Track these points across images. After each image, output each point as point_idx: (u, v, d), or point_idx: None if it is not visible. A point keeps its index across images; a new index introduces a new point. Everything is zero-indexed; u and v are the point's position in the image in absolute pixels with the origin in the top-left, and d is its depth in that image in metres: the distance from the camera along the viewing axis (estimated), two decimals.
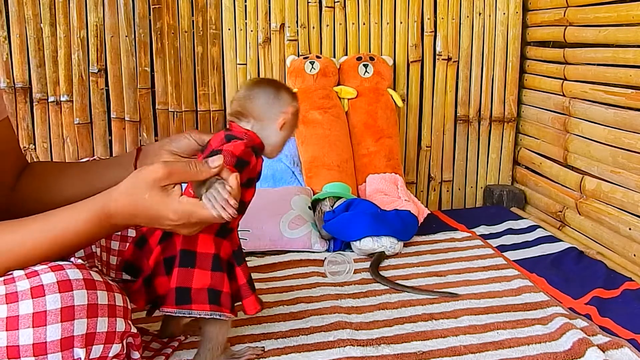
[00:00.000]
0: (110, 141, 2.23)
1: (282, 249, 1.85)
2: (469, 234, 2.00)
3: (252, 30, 2.25)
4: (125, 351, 0.96)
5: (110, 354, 0.91)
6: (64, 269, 0.88)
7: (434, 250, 1.86)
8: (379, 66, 2.24)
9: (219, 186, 0.97)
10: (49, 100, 2.17)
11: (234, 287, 1.12)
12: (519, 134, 2.44)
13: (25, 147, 2.17)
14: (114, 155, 2.22)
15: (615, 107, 1.83)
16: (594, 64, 1.95)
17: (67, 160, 2.18)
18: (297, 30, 2.27)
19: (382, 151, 2.18)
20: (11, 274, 0.88)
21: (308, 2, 2.26)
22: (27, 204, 1.14)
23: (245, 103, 1.12)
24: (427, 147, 2.41)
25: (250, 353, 1.23)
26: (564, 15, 2.10)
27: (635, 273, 1.67)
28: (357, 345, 1.26)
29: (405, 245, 1.87)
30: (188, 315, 1.07)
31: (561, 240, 1.90)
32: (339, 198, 1.95)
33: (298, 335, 1.32)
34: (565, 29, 2.10)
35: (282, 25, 2.26)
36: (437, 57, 2.35)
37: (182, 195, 0.97)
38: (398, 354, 1.24)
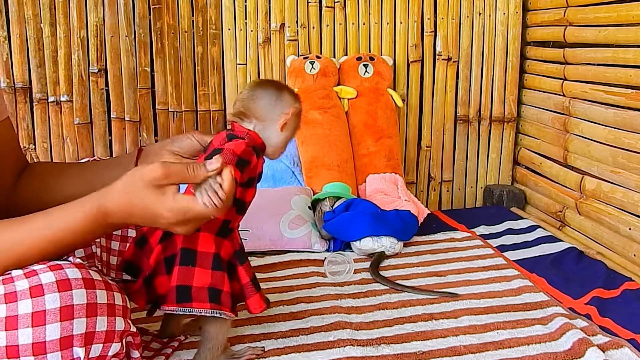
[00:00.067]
0: (110, 141, 2.23)
1: (282, 249, 1.85)
2: (469, 234, 2.00)
3: (252, 30, 2.25)
4: (124, 350, 0.96)
5: (110, 353, 0.91)
6: (63, 269, 0.88)
7: (434, 250, 1.86)
8: (379, 66, 2.24)
9: (211, 179, 0.97)
10: (49, 100, 2.17)
11: (236, 287, 1.12)
12: (519, 134, 2.44)
13: (25, 147, 2.17)
14: (114, 155, 2.22)
15: (615, 107, 1.83)
16: (594, 64, 1.95)
17: (67, 160, 2.18)
18: (297, 30, 2.27)
19: (382, 151, 2.18)
20: (9, 273, 0.88)
21: (308, 2, 2.26)
22: (27, 204, 1.14)
23: (248, 103, 1.13)
24: (427, 147, 2.41)
25: (250, 353, 1.23)
26: (564, 15, 2.09)
27: (635, 273, 1.67)
28: (357, 345, 1.26)
29: (405, 245, 1.87)
30: (188, 314, 1.08)
31: (561, 240, 1.90)
32: (339, 198, 1.95)
33: (298, 335, 1.32)
34: (565, 29, 2.10)
35: (282, 25, 2.26)
36: (437, 57, 2.35)
37: (178, 193, 0.97)
38: (398, 354, 1.24)
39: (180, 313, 1.08)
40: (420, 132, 2.41)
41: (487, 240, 1.93)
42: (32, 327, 0.83)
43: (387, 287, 1.58)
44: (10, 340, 0.83)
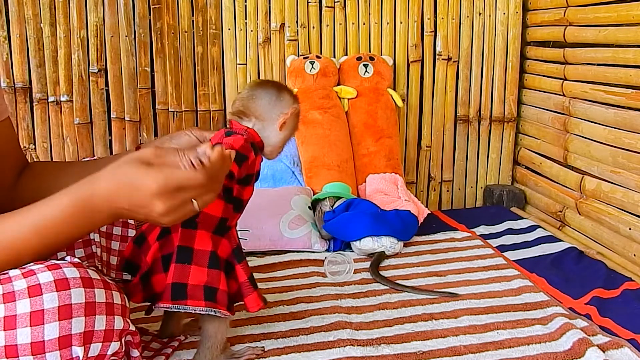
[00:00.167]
0: (110, 141, 2.23)
1: (282, 249, 1.85)
2: (469, 234, 2.00)
3: (252, 30, 2.25)
4: (124, 349, 0.96)
5: (109, 352, 0.91)
6: (61, 268, 0.88)
7: (434, 250, 1.86)
8: (379, 66, 2.24)
9: (199, 149, 0.96)
10: (49, 100, 2.17)
11: (234, 286, 1.12)
12: (519, 134, 2.44)
13: (25, 147, 2.17)
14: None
15: (615, 107, 1.83)
16: (594, 64, 1.95)
17: (67, 160, 2.18)
18: (297, 30, 2.27)
19: (382, 151, 2.18)
20: (7, 273, 0.88)
21: (308, 2, 2.26)
22: (28, 204, 1.14)
23: (248, 103, 1.14)
24: (427, 147, 2.41)
25: (250, 353, 1.23)
26: (564, 15, 2.09)
27: (635, 273, 1.67)
28: (357, 345, 1.26)
29: (405, 245, 1.87)
30: (183, 311, 1.08)
31: (561, 240, 1.90)
32: (339, 198, 1.95)
33: (298, 335, 1.32)
34: (565, 29, 2.10)
35: (282, 25, 2.26)
36: (437, 57, 2.35)
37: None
38: (398, 354, 1.24)
39: (175, 310, 1.09)
40: (420, 132, 2.41)
41: (487, 240, 1.93)
42: (31, 326, 0.83)
43: (387, 287, 1.58)
44: (9, 340, 0.83)
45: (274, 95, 1.15)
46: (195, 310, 1.08)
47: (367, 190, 2.10)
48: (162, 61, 2.21)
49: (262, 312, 1.42)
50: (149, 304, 1.16)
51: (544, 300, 1.48)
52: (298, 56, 2.26)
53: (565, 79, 2.11)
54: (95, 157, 1.60)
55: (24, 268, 0.89)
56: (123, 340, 0.95)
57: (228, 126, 1.16)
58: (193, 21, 2.22)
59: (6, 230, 0.91)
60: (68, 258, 0.94)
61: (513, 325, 1.35)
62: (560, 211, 2.11)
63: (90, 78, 2.18)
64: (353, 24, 2.30)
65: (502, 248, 1.87)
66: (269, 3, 2.24)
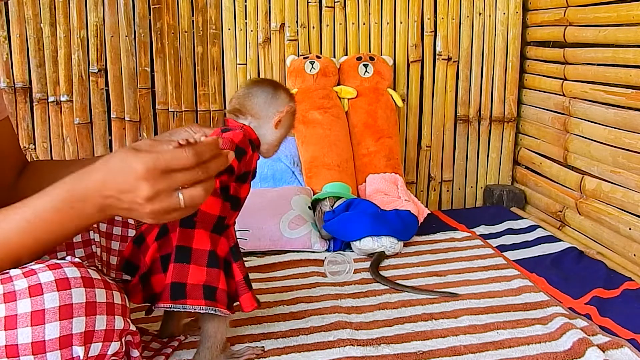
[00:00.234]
0: (110, 141, 2.23)
1: (282, 249, 1.85)
2: (469, 234, 2.00)
3: (252, 30, 2.25)
4: (124, 349, 0.96)
5: (109, 352, 0.91)
6: (62, 267, 0.88)
7: (434, 250, 1.86)
8: (379, 66, 2.24)
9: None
10: (49, 100, 2.17)
11: (232, 285, 1.13)
12: (519, 134, 2.44)
13: (25, 147, 2.17)
14: None
15: (615, 107, 1.83)
16: (594, 64, 1.95)
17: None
18: (297, 30, 2.27)
19: (382, 151, 2.18)
20: (8, 272, 0.88)
21: (308, 2, 2.26)
22: None
23: (244, 101, 1.14)
24: (427, 147, 2.41)
25: (250, 353, 1.23)
26: (564, 15, 2.09)
27: (635, 273, 1.67)
28: (357, 345, 1.26)
29: (405, 245, 1.87)
30: (183, 310, 1.08)
31: (561, 240, 1.90)
32: (339, 198, 1.95)
33: (298, 335, 1.32)
34: (565, 29, 2.10)
35: (282, 25, 2.26)
36: (437, 57, 2.35)
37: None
38: (398, 354, 1.24)
39: (175, 310, 1.09)
40: (420, 132, 2.41)
41: (487, 240, 1.93)
42: (31, 326, 0.83)
43: (387, 287, 1.58)
44: (10, 340, 0.83)
45: (270, 93, 1.15)
46: (195, 310, 1.08)
47: (367, 190, 2.10)
48: (162, 61, 2.21)
49: (262, 312, 1.42)
50: (149, 304, 1.16)
51: (544, 300, 1.48)
52: (298, 56, 2.27)
53: (565, 79, 2.11)
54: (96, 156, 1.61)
55: (25, 267, 0.89)
56: (123, 340, 0.95)
57: (224, 124, 1.16)
58: (193, 21, 2.22)
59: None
60: (69, 258, 0.94)
61: (513, 325, 1.35)
62: (560, 211, 2.11)
63: (90, 78, 2.18)
64: (353, 24, 2.30)
65: (502, 248, 1.87)
66: (269, 3, 2.24)
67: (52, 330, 0.84)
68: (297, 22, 2.27)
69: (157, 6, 2.18)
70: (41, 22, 2.13)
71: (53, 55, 2.15)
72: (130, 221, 1.35)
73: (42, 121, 2.19)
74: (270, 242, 1.85)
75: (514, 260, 1.77)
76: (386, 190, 2.07)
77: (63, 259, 0.93)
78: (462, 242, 1.92)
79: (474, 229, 2.05)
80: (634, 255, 1.71)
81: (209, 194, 0.89)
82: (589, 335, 1.28)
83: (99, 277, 0.92)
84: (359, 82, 2.23)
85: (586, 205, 1.95)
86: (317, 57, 2.23)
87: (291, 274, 1.68)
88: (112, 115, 2.21)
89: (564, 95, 2.12)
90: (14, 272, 0.88)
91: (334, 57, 2.30)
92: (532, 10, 2.33)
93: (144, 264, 1.11)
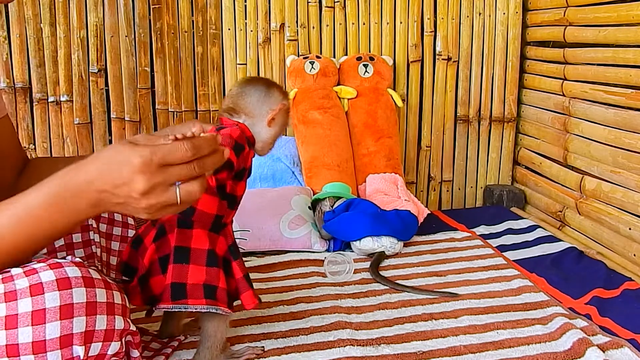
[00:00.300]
0: (110, 141, 2.23)
1: (282, 249, 1.85)
2: (469, 234, 2.00)
3: (252, 30, 2.25)
4: (124, 349, 0.96)
5: (109, 352, 0.91)
6: (63, 267, 0.88)
7: (434, 250, 1.86)
8: (379, 66, 2.24)
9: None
10: (49, 100, 2.17)
11: (232, 284, 1.13)
12: (519, 134, 2.44)
13: (25, 147, 2.17)
14: None
15: (615, 107, 1.83)
16: (594, 64, 1.95)
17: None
18: (297, 30, 2.27)
19: (382, 151, 2.18)
20: (9, 271, 0.88)
21: (308, 2, 2.26)
22: None
23: (238, 100, 1.15)
24: (427, 147, 2.41)
25: (250, 352, 1.23)
26: (564, 15, 2.09)
27: (635, 273, 1.67)
28: (357, 345, 1.26)
29: (405, 245, 1.87)
30: (184, 310, 1.08)
31: (561, 240, 1.90)
32: (339, 198, 1.95)
33: (298, 335, 1.32)
34: (565, 29, 2.10)
35: (282, 25, 2.26)
36: (437, 57, 2.35)
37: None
38: (398, 354, 1.24)
39: (177, 310, 1.09)
40: (420, 132, 2.41)
41: (487, 240, 1.93)
42: (32, 325, 0.83)
43: (387, 287, 1.58)
44: (10, 339, 0.83)
45: (263, 92, 1.15)
46: (196, 309, 1.08)
47: (367, 190, 2.10)
48: (162, 61, 2.21)
49: (262, 312, 1.42)
50: (149, 306, 1.16)
51: (544, 300, 1.48)
52: (298, 56, 2.27)
53: (565, 79, 2.11)
54: None
55: (27, 266, 0.88)
56: (123, 340, 0.95)
57: (218, 123, 1.16)
58: (193, 21, 2.22)
59: None
60: (70, 257, 0.94)
61: (513, 325, 1.35)
62: (560, 211, 2.11)
63: (90, 78, 2.18)
64: (353, 24, 2.30)
65: (502, 248, 1.87)
66: (269, 3, 2.24)
67: (52, 329, 0.84)
68: (297, 22, 2.27)
69: (157, 6, 2.18)
70: (41, 22, 2.13)
71: (53, 55, 2.15)
72: (130, 221, 1.35)
73: (42, 121, 2.19)
74: (270, 242, 1.85)
75: (514, 260, 1.77)
76: (386, 190, 2.07)
77: (64, 258, 0.93)
78: (462, 242, 1.92)
79: (474, 229, 2.05)
80: (634, 255, 1.71)
81: (204, 189, 0.88)
82: (589, 335, 1.28)
83: (100, 277, 0.92)
84: (359, 82, 2.23)
85: (586, 205, 1.95)
86: (317, 57, 2.23)
87: (291, 274, 1.68)
88: (112, 115, 2.21)
89: (564, 95, 2.12)
90: (15, 271, 0.88)
91: (334, 57, 2.30)
92: (532, 10, 2.33)
93: (142, 265, 1.11)
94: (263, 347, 1.26)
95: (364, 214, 1.82)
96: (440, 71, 2.36)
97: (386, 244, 1.79)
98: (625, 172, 1.76)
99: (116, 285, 0.97)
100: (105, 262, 1.30)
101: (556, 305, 1.45)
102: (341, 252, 1.80)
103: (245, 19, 2.25)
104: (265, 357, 1.23)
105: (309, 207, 1.97)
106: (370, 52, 2.32)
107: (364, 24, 2.30)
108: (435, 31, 2.34)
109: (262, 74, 2.26)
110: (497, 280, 1.61)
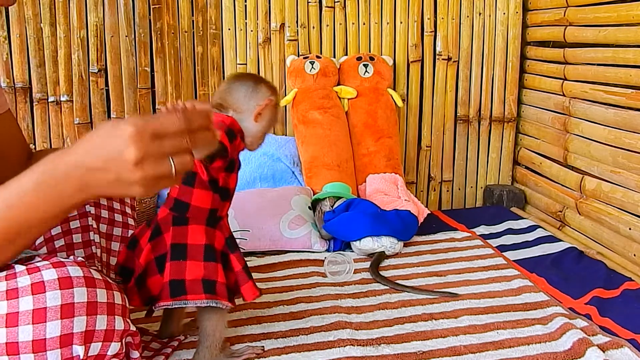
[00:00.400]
0: None
1: (282, 249, 1.85)
2: (469, 234, 2.00)
3: (252, 30, 2.25)
4: (124, 350, 0.96)
5: (109, 353, 0.91)
6: (65, 266, 0.88)
7: (434, 250, 1.86)
8: (379, 66, 2.24)
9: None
10: (49, 100, 2.17)
11: (232, 278, 1.13)
12: (519, 134, 2.44)
13: None
14: None
15: (615, 107, 1.83)
16: (594, 64, 1.95)
17: None
18: (297, 30, 2.27)
19: (382, 151, 2.18)
20: (13, 268, 0.88)
21: (308, 2, 2.26)
22: None
23: (225, 95, 1.15)
24: (427, 147, 2.41)
25: (250, 352, 1.23)
26: (564, 15, 2.09)
27: (635, 273, 1.67)
28: (357, 345, 1.26)
29: (405, 245, 1.87)
30: (185, 306, 1.08)
31: (561, 240, 1.90)
32: (339, 198, 1.95)
33: (298, 335, 1.32)
34: (565, 29, 2.10)
35: (282, 25, 2.26)
36: (437, 57, 2.35)
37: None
38: (398, 354, 1.24)
39: (177, 307, 1.09)
40: (420, 132, 2.41)
41: (487, 240, 1.93)
42: (33, 324, 0.83)
43: (387, 287, 1.58)
44: (10, 337, 0.83)
45: (250, 87, 1.16)
46: (196, 304, 1.08)
47: (367, 190, 2.10)
48: (162, 61, 2.21)
49: (262, 312, 1.42)
50: (148, 306, 1.16)
51: (544, 300, 1.48)
52: (298, 56, 2.26)
53: (565, 79, 2.11)
54: None
55: (30, 264, 0.88)
56: (124, 341, 0.95)
57: None
58: (193, 21, 2.22)
59: None
60: (71, 257, 0.94)
61: (513, 325, 1.35)
62: (560, 211, 2.11)
63: (90, 78, 2.18)
64: (353, 24, 2.30)
65: (502, 248, 1.87)
66: (269, 3, 2.24)
67: (53, 328, 0.84)
68: (297, 22, 2.27)
69: (157, 6, 2.18)
70: (41, 22, 2.13)
71: (53, 55, 2.15)
72: (131, 222, 1.35)
73: (42, 121, 2.19)
74: (270, 242, 1.85)
75: (514, 260, 1.77)
76: (386, 190, 2.07)
77: (66, 258, 0.93)
78: (462, 242, 1.92)
79: (474, 229, 2.05)
80: (634, 255, 1.71)
81: (193, 162, 0.85)
82: (589, 335, 1.28)
83: (101, 278, 0.92)
84: (359, 82, 2.23)
85: (586, 205, 1.95)
86: (317, 57, 2.23)
87: (291, 274, 1.68)
88: (112, 115, 2.21)
89: (564, 95, 2.12)
90: (18, 268, 0.88)
91: (334, 57, 2.30)
92: (532, 10, 2.33)
93: (139, 265, 1.11)
94: (263, 346, 1.26)
95: (364, 214, 1.82)
96: (440, 71, 2.36)
97: (386, 244, 1.79)
98: (625, 172, 1.76)
99: (116, 285, 0.97)
100: (105, 263, 1.30)
101: (556, 305, 1.45)
102: (341, 252, 1.80)
103: (245, 19, 2.25)
104: (265, 357, 1.24)
105: (309, 207, 1.97)
106: (370, 52, 2.32)
107: (364, 24, 2.30)
108: (435, 31, 2.34)
109: (262, 74, 2.26)
110: (497, 280, 1.61)
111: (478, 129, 2.43)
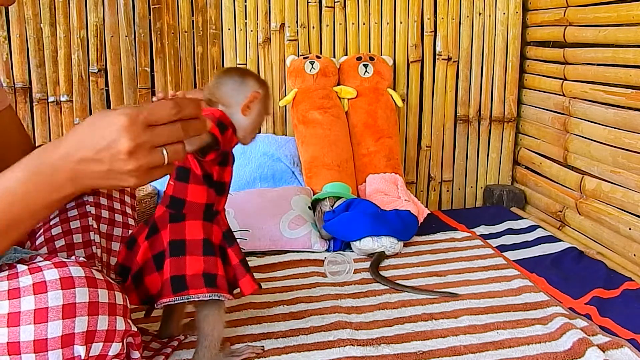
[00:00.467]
0: None
1: (282, 249, 1.85)
2: (469, 234, 2.00)
3: (252, 30, 2.25)
4: (125, 351, 0.96)
5: (110, 353, 0.91)
6: (67, 266, 0.88)
7: (434, 250, 1.86)
8: (379, 66, 2.24)
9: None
10: (49, 100, 2.17)
11: (230, 272, 1.14)
12: (519, 134, 2.44)
13: None
14: None
15: (615, 107, 1.83)
16: (594, 64, 1.95)
17: None
18: (297, 30, 2.27)
19: (382, 151, 2.18)
20: (15, 268, 0.88)
21: (308, 2, 2.26)
22: None
23: (214, 90, 1.16)
24: (427, 147, 2.41)
25: (250, 352, 1.23)
26: (564, 15, 2.10)
27: (635, 273, 1.67)
28: (357, 345, 1.26)
29: (405, 245, 1.87)
30: (187, 301, 1.09)
31: (561, 240, 1.90)
32: (339, 198, 1.95)
33: (298, 335, 1.32)
34: (565, 29, 2.10)
35: (282, 25, 2.26)
36: (437, 57, 2.35)
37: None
38: (398, 354, 1.24)
39: (179, 302, 1.09)
40: (420, 132, 2.41)
41: (487, 240, 1.93)
42: (34, 324, 0.83)
43: (387, 287, 1.58)
44: (12, 337, 0.83)
45: (237, 81, 1.16)
46: (198, 298, 1.08)
47: (367, 190, 2.10)
48: (162, 61, 2.21)
49: (262, 312, 1.42)
50: (146, 305, 1.16)
51: (544, 300, 1.48)
52: (298, 56, 2.26)
53: (565, 79, 2.11)
54: None
55: (32, 264, 0.88)
56: (124, 341, 0.95)
57: None
58: (193, 21, 2.22)
59: None
60: (73, 257, 0.94)
61: (513, 325, 1.35)
62: (560, 211, 2.11)
63: (90, 78, 2.18)
64: (353, 24, 2.30)
65: (502, 248, 1.87)
66: (269, 3, 2.24)
67: (54, 328, 0.84)
68: (297, 22, 2.27)
69: (157, 6, 2.18)
70: (41, 22, 2.13)
71: (53, 55, 2.15)
72: (131, 222, 1.35)
73: (42, 121, 2.19)
74: (270, 242, 1.85)
75: (514, 260, 1.77)
76: (386, 190, 2.07)
77: (68, 258, 0.93)
78: (462, 242, 1.92)
79: (474, 229, 2.05)
80: (634, 255, 1.71)
81: (185, 151, 0.85)
82: (589, 335, 1.28)
83: (102, 278, 0.92)
84: (359, 82, 2.23)
85: (586, 205, 1.95)
86: (317, 57, 2.23)
87: (291, 274, 1.68)
88: None
89: (564, 95, 2.12)
90: (20, 267, 0.88)
91: (334, 57, 2.30)
92: (532, 10, 2.33)
93: (136, 263, 1.12)
94: (263, 346, 1.26)
95: (364, 214, 1.82)
96: (440, 71, 2.36)
97: (386, 244, 1.79)
98: (625, 172, 1.77)
99: (118, 286, 0.97)
100: (106, 263, 1.30)
101: (556, 305, 1.45)
102: (341, 252, 1.80)
103: (245, 19, 2.25)
104: (265, 357, 1.24)
105: (309, 207, 1.97)
106: (370, 52, 2.32)
107: (364, 24, 2.30)
108: (435, 31, 2.34)
109: (262, 74, 2.26)
110: (497, 280, 1.61)
111: (478, 129, 2.43)
